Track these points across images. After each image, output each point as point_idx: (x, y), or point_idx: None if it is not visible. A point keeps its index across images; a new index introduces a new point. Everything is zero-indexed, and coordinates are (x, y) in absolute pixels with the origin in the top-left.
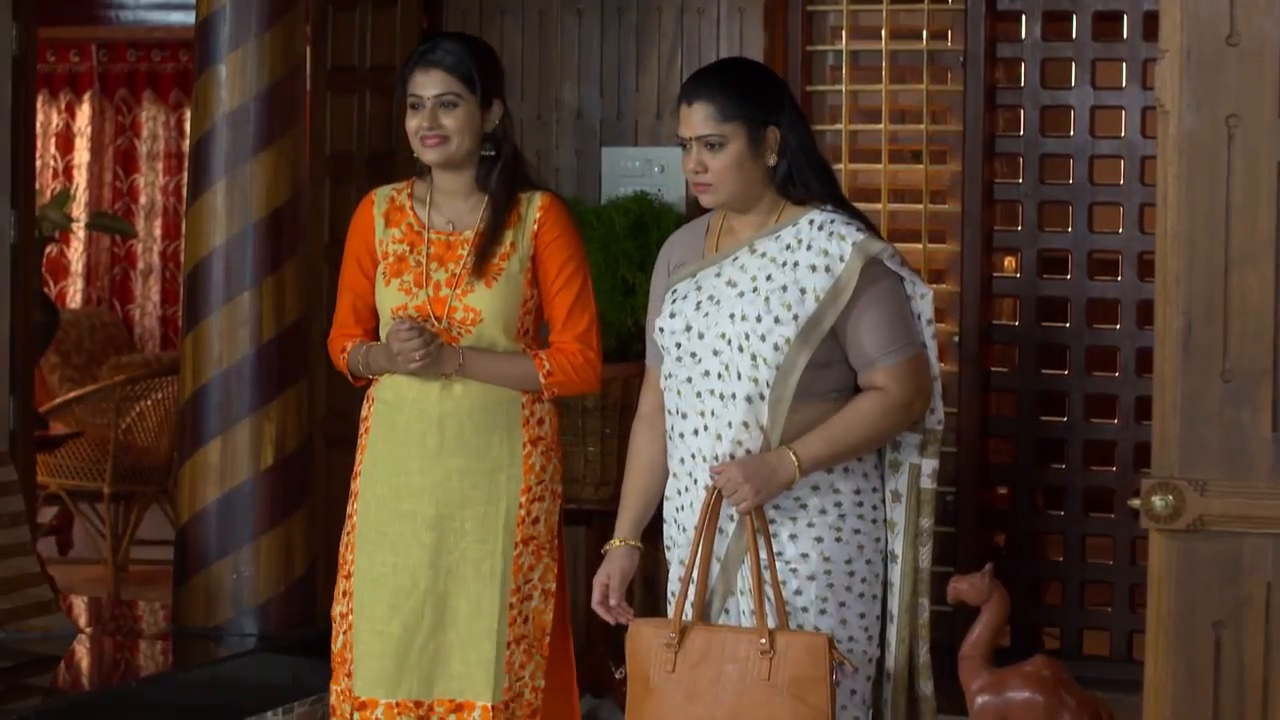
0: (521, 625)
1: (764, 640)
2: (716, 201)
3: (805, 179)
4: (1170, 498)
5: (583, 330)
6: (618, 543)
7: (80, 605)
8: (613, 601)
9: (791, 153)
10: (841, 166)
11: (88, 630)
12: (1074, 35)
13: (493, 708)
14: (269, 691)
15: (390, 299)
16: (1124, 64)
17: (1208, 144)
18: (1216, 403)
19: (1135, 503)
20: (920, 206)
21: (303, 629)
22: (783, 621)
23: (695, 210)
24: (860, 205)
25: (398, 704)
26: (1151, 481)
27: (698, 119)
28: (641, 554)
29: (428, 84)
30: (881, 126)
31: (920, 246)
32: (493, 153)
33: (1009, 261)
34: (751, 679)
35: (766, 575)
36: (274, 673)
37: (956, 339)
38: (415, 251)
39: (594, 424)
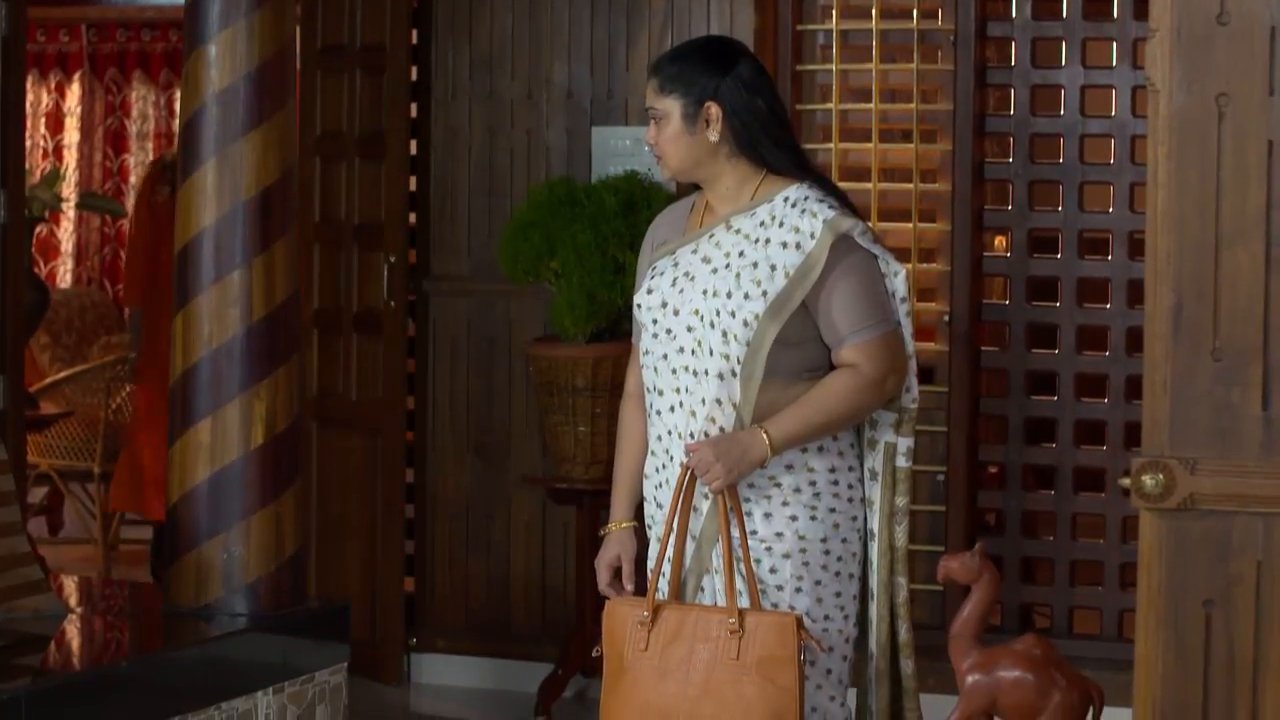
0: None
1: (733, 619)
2: (668, 173)
3: (770, 156)
4: (1160, 476)
5: None
6: (617, 525)
7: (70, 585)
8: (629, 587)
9: (744, 127)
10: (832, 146)
11: (78, 610)
12: (1064, 14)
13: None
14: (259, 671)
15: None
16: (1114, 43)
17: (1198, 123)
18: (1207, 381)
19: (1125, 482)
20: (910, 186)
21: (293, 608)
22: (754, 601)
23: (685, 190)
24: (850, 184)
25: None
26: (1142, 460)
27: (647, 92)
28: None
29: None
30: (872, 106)
31: (910, 226)
32: None
33: (999, 241)
34: (721, 658)
35: (739, 554)
36: (264, 652)
37: (947, 318)
38: None
39: (584, 403)
